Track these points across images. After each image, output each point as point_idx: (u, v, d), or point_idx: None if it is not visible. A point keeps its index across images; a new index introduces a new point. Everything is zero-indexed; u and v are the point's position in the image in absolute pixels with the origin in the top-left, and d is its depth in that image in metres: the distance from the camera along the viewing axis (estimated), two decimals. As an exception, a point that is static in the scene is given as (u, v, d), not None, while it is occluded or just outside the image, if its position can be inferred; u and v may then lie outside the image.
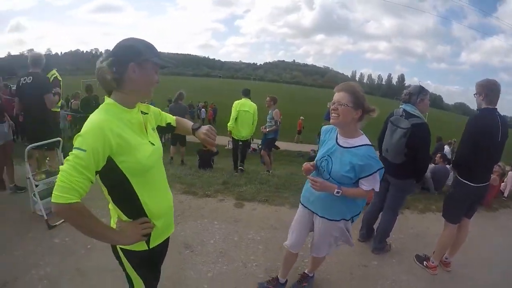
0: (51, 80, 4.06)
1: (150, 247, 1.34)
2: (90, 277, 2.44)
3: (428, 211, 4.18)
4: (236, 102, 5.77)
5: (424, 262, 2.89)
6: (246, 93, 5.88)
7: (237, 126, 5.77)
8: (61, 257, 2.66)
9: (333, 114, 1.78)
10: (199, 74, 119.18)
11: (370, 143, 1.82)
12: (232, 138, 6.02)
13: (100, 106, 1.22)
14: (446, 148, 10.80)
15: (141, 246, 1.32)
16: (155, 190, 1.32)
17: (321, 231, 2.06)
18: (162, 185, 1.40)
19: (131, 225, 1.26)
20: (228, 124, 5.86)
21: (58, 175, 1.07)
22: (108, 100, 1.23)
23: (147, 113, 1.36)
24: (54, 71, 4.21)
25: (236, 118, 5.72)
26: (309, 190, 2.01)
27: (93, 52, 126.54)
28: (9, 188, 3.92)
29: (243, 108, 5.71)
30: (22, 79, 3.68)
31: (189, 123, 1.64)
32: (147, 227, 1.29)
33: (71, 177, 1.04)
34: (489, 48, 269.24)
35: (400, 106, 2.80)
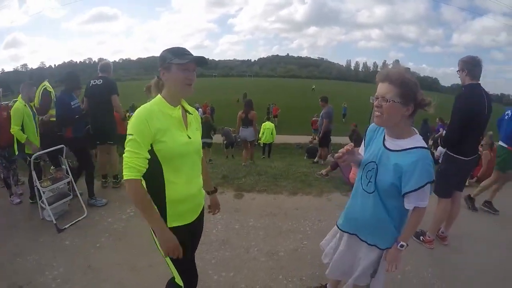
0: (41, 91, 4.19)
1: (168, 226, 1.48)
2: (100, 272, 2.57)
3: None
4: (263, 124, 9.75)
5: (421, 237, 2.94)
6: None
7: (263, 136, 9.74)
8: (72, 257, 2.79)
9: (376, 112, 1.43)
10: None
11: (426, 146, 1.44)
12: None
13: (154, 99, 1.51)
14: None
15: None
16: (181, 177, 1.48)
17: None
18: (190, 175, 1.54)
19: (173, 240, 1.43)
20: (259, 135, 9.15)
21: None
22: (159, 95, 1.50)
23: (192, 114, 1.60)
24: (45, 82, 4.30)
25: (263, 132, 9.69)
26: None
27: (87, 62, 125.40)
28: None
29: (266, 127, 9.81)
30: (92, 81, 4.05)
31: (210, 179, 1.91)
32: (177, 251, 1.45)
33: (127, 158, 1.35)
34: (480, 28, 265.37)
35: None
